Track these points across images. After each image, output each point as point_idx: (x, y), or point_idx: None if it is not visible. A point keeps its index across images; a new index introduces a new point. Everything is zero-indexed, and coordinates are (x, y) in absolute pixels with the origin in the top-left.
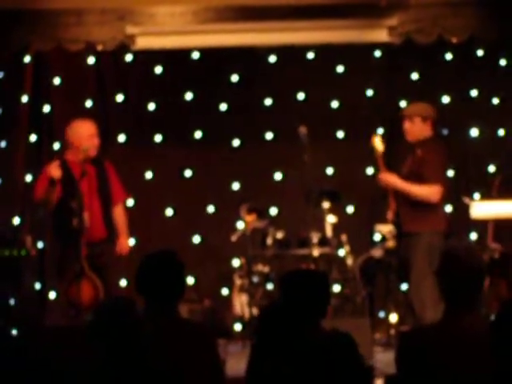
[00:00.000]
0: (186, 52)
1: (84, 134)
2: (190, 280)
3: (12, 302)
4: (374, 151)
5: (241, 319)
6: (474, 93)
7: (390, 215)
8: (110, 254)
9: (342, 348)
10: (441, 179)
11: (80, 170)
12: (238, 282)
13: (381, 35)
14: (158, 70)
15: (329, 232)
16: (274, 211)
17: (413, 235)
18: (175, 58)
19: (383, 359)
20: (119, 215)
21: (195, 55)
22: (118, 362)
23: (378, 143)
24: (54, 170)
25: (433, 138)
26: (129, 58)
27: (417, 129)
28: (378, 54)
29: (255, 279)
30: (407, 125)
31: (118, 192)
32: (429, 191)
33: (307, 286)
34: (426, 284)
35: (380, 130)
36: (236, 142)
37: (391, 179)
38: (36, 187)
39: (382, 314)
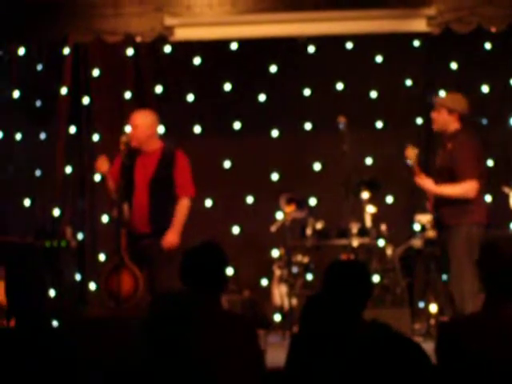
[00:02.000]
0: (225, 43)
1: (130, 124)
2: (230, 271)
3: (52, 293)
4: (409, 162)
5: (280, 310)
6: None
7: (429, 206)
8: (157, 247)
9: (381, 340)
10: (475, 174)
11: (139, 161)
12: (277, 272)
13: (419, 25)
14: (197, 61)
15: (368, 222)
16: (313, 201)
17: (452, 227)
18: (214, 48)
19: None
20: (178, 209)
21: (234, 46)
22: (167, 353)
23: (412, 154)
24: (100, 166)
25: (462, 130)
26: (167, 49)
27: (442, 120)
28: (416, 43)
29: (295, 270)
30: (434, 114)
31: (181, 186)
32: (464, 189)
33: (351, 276)
34: (466, 276)
35: (419, 120)
36: (275, 133)
37: (426, 184)
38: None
39: (421, 304)
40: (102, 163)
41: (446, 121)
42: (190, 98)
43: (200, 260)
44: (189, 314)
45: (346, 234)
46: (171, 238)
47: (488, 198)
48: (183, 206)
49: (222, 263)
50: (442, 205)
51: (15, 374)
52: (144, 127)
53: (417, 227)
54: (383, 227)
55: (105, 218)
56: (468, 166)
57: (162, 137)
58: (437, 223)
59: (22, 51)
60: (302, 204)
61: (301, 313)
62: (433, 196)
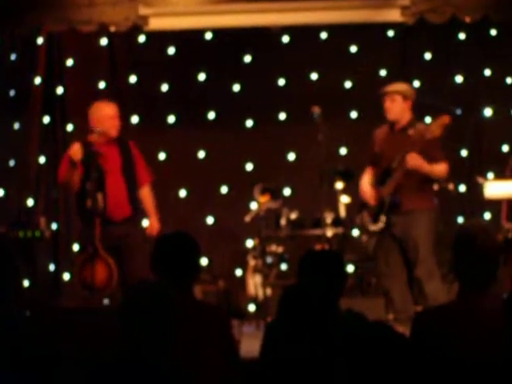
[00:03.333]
0: (199, 33)
1: (103, 115)
2: (204, 261)
3: (26, 283)
4: None
5: (255, 300)
6: (487, 72)
7: (371, 198)
8: (135, 234)
9: (356, 329)
10: (445, 157)
11: (103, 151)
12: (251, 262)
13: (394, 15)
14: (171, 50)
15: (342, 212)
16: (287, 192)
17: (413, 212)
18: (188, 38)
19: None
20: (146, 197)
21: (208, 36)
22: (140, 344)
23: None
24: (74, 153)
25: (415, 118)
26: (142, 39)
27: (398, 107)
28: (391, 33)
29: (269, 260)
30: (388, 103)
31: (143, 173)
32: (446, 170)
33: (325, 266)
34: (432, 260)
35: None
36: (249, 123)
37: (420, 161)
38: (59, 169)
39: None
40: (77, 151)
41: (402, 108)
42: (165, 87)
43: (170, 249)
44: (161, 304)
45: (320, 224)
46: (156, 223)
47: (462, 188)
48: (150, 194)
49: (193, 252)
50: (408, 191)
51: None
52: (118, 117)
53: None
54: (358, 217)
55: None
56: (441, 149)
57: (137, 127)
58: (391, 208)
59: None
60: (276, 194)
61: (278, 304)
62: (394, 182)
